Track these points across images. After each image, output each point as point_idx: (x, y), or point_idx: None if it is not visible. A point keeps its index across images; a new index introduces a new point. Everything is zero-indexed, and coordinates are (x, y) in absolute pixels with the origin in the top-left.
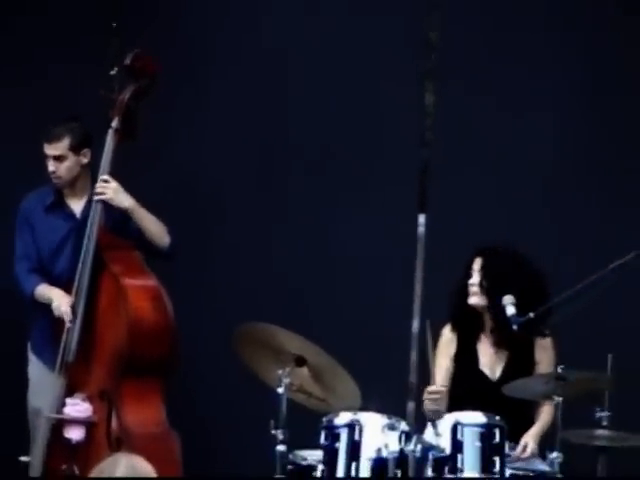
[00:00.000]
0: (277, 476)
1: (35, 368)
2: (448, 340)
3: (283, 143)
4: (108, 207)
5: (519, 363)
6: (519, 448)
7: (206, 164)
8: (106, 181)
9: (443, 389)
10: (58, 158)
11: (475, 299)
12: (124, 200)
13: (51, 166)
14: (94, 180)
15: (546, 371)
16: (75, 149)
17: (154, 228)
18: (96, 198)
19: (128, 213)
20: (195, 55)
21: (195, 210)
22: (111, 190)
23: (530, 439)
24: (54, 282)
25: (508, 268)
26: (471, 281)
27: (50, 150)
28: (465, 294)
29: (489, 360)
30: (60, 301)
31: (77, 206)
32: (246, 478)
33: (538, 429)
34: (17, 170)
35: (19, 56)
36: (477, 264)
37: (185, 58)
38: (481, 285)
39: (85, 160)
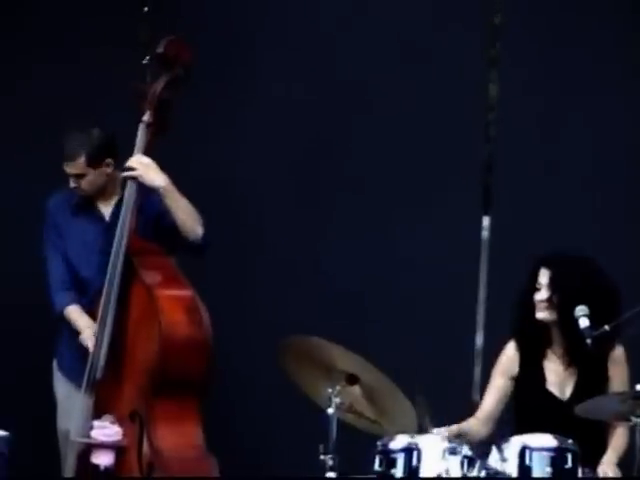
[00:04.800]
0: None
1: (62, 387)
2: (510, 359)
3: (336, 139)
4: (140, 205)
5: (591, 381)
6: None
7: (246, 165)
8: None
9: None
10: (78, 176)
11: (544, 314)
12: (156, 178)
13: (72, 183)
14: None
15: (619, 388)
16: (93, 164)
17: (187, 215)
18: (125, 174)
19: (160, 194)
20: (235, 42)
21: (237, 214)
22: (143, 165)
23: (607, 468)
24: (81, 288)
25: (579, 281)
26: (539, 296)
27: (68, 169)
28: (530, 307)
29: (557, 378)
30: (88, 333)
31: (106, 209)
32: None
33: (613, 455)
34: (41, 166)
35: (46, 42)
36: (544, 277)
37: (224, 46)
38: (550, 300)
39: (109, 169)
